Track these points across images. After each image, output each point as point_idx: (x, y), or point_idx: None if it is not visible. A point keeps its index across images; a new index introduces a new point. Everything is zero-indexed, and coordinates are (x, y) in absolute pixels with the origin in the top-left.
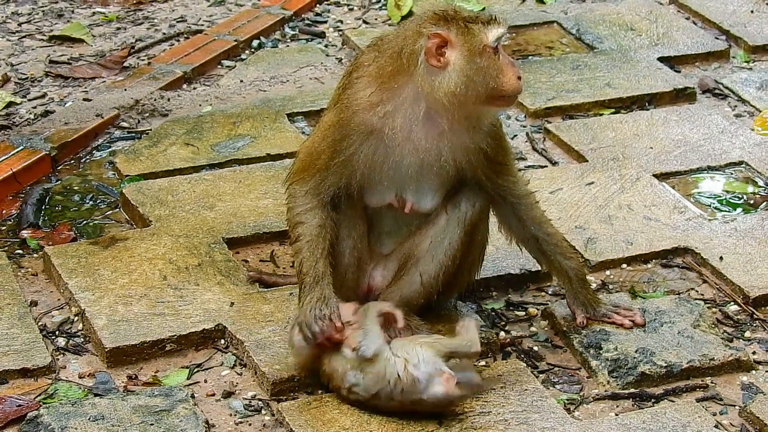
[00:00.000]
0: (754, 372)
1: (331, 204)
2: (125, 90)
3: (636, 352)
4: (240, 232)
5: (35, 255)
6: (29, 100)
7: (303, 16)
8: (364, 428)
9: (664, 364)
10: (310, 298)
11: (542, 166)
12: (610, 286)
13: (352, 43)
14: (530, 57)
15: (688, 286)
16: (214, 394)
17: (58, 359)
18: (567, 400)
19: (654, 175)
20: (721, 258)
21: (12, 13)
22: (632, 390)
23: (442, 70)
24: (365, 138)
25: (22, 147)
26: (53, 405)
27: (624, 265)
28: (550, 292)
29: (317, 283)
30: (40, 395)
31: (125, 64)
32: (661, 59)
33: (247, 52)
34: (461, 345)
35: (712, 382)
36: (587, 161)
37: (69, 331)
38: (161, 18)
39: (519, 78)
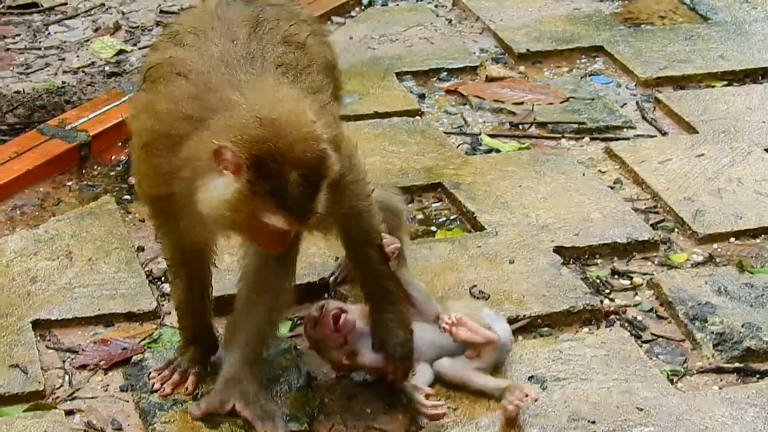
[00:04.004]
0: None
1: None
2: None
3: (742, 326)
4: None
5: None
6: (139, 48)
7: None
8: None
9: None
10: None
11: (652, 136)
12: (717, 260)
13: (462, 4)
14: (642, 26)
15: None
16: None
17: (163, 305)
18: (670, 371)
19: (765, 150)
20: None
21: None
22: (737, 364)
23: None
24: None
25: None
26: (157, 350)
27: (732, 239)
28: (656, 262)
29: None
30: (144, 339)
31: None
32: None
33: (357, 9)
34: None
35: None
36: (698, 133)
37: None
38: None
39: None
